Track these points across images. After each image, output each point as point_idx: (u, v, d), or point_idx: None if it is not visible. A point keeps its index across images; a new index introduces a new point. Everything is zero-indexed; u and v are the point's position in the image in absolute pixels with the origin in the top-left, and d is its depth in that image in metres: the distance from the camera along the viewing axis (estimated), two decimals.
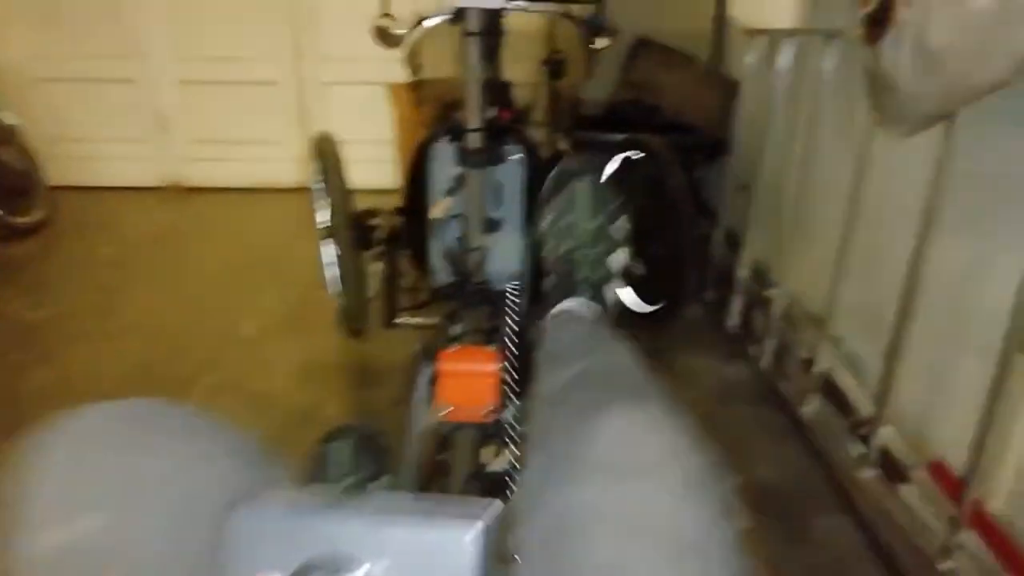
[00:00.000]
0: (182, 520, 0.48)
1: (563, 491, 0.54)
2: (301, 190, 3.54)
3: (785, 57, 2.06)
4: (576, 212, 1.04)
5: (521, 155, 1.16)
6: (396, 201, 1.85)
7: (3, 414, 1.90)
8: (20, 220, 2.99)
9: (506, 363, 0.91)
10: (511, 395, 0.90)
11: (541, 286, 1.02)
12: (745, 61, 2.35)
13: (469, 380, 0.90)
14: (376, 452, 0.94)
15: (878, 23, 1.14)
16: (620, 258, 1.06)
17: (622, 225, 1.08)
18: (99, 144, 3.62)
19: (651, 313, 2.18)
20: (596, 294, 1.00)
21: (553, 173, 1.09)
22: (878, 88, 1.21)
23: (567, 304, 0.96)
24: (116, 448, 0.49)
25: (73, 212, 3.32)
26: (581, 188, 1.05)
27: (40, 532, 0.44)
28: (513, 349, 0.92)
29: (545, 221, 1.07)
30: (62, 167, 3.56)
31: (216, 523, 0.49)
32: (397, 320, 1.73)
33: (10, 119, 3.18)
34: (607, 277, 1.03)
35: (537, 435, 0.67)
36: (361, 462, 0.92)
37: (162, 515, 0.47)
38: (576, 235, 1.02)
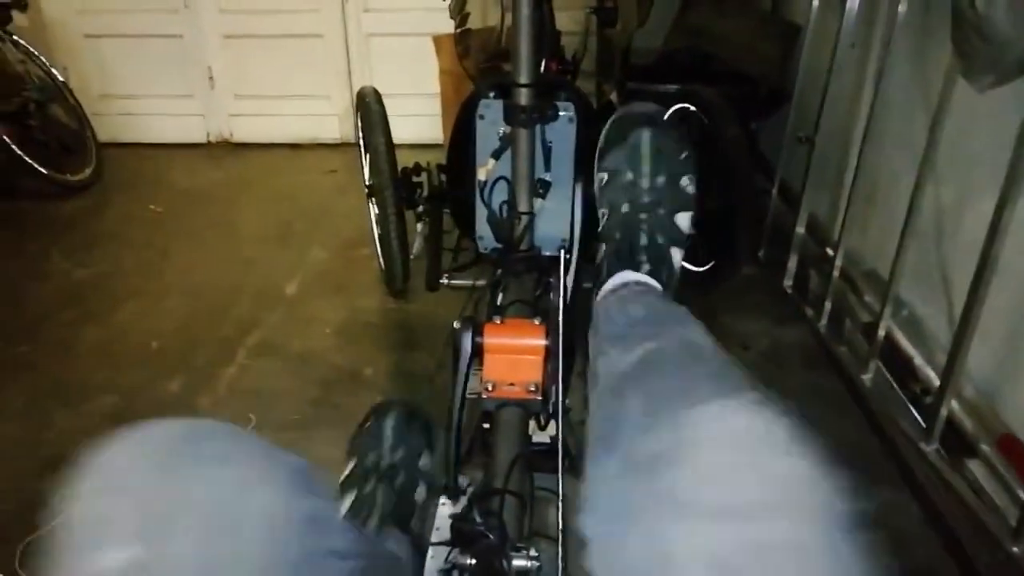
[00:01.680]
0: (223, 547, 0.45)
1: (657, 527, 0.44)
2: (346, 145, 3.52)
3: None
4: (639, 166, 0.89)
5: (573, 112, 1.09)
6: (441, 157, 1.80)
7: (51, 373, 1.94)
8: (70, 178, 3.02)
9: (553, 338, 0.86)
10: (559, 372, 0.86)
11: (595, 253, 0.92)
12: (811, 3, 2.21)
13: (515, 355, 0.85)
14: (421, 428, 0.92)
15: None
16: (687, 219, 0.91)
17: (690, 181, 0.91)
18: (146, 100, 3.62)
19: (703, 272, 2.11)
20: (660, 263, 0.87)
21: (611, 121, 0.95)
22: (965, 31, 1.10)
23: (626, 276, 0.84)
24: (160, 472, 0.46)
25: (121, 169, 3.34)
26: (644, 138, 0.89)
27: (81, 559, 0.42)
28: (561, 322, 0.87)
29: (601, 178, 0.93)
30: (110, 124, 3.59)
31: (261, 551, 0.46)
32: (441, 280, 1.69)
33: (60, 76, 3.19)
34: (674, 242, 0.89)
35: (602, 433, 0.58)
36: (406, 438, 0.90)
37: (201, 544, 0.44)
38: (638, 194, 0.88)
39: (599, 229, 0.92)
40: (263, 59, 3.53)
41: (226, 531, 0.45)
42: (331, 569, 0.53)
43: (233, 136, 3.69)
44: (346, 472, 0.86)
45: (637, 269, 0.85)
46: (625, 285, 0.83)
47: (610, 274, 0.86)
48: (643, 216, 0.88)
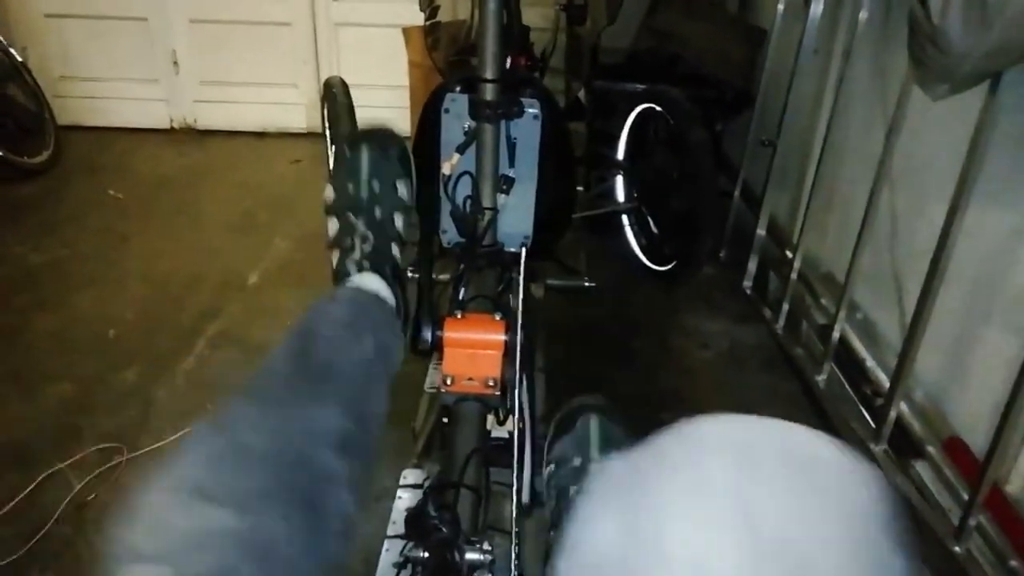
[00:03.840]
0: None
1: None
2: (313, 135, 3.49)
3: (817, 6, 1.96)
4: (588, 452, 0.87)
5: (538, 109, 1.09)
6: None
7: (4, 360, 1.90)
8: (27, 160, 2.94)
9: (513, 333, 0.86)
10: (518, 367, 0.86)
11: (551, 252, 0.93)
12: (775, 9, 2.25)
13: (474, 350, 0.86)
14: (396, 156, 0.94)
15: None
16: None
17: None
18: (108, 83, 3.54)
19: (665, 272, 2.13)
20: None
21: (560, 412, 0.92)
22: (921, 41, 1.13)
23: None
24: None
25: (81, 153, 3.27)
26: (593, 423, 0.89)
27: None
28: (520, 319, 0.88)
29: (549, 468, 0.90)
30: (70, 106, 3.50)
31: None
32: (408, 272, 1.68)
33: (18, 56, 3.11)
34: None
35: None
36: (382, 168, 0.94)
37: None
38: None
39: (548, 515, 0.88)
40: (229, 45, 3.48)
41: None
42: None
43: (197, 123, 3.64)
44: (328, 200, 0.93)
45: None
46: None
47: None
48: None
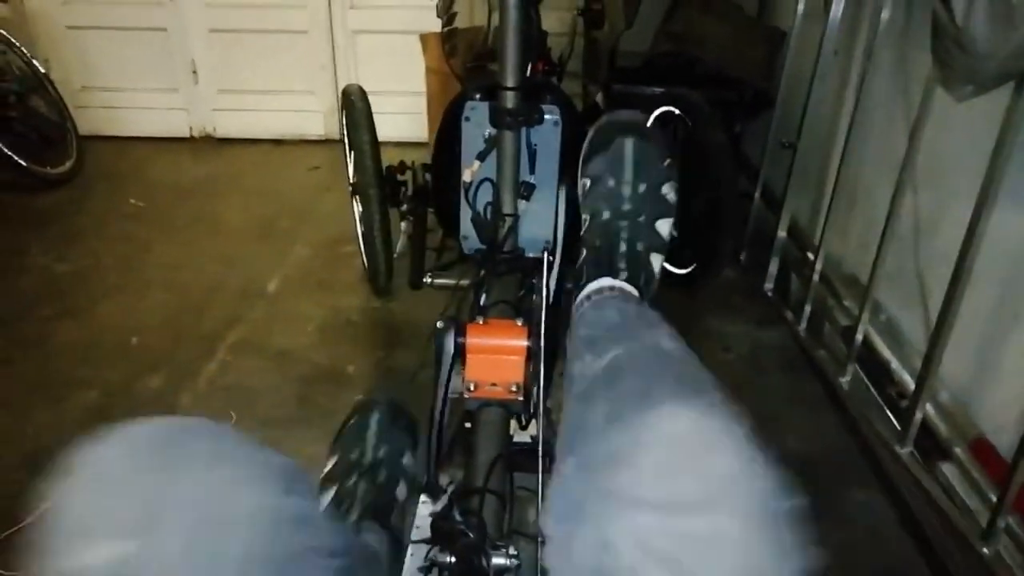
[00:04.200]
0: (210, 544, 0.45)
1: (603, 521, 0.47)
2: (331, 142, 3.51)
3: (839, 6, 1.95)
4: (621, 173, 0.89)
5: (558, 116, 1.10)
6: (425, 156, 1.80)
7: (30, 369, 1.92)
8: (50, 171, 2.98)
9: (535, 339, 0.86)
10: (540, 373, 0.86)
11: (576, 257, 0.93)
12: (795, 10, 2.24)
13: (497, 356, 0.86)
14: (405, 426, 0.92)
15: None
16: (668, 226, 0.91)
17: (671, 188, 0.92)
18: (129, 93, 3.59)
19: (686, 274, 2.13)
20: (638, 269, 0.87)
21: (596, 127, 0.95)
22: (945, 42, 1.12)
23: (603, 282, 0.84)
24: (147, 470, 0.46)
25: (102, 163, 3.31)
26: (627, 146, 0.89)
27: (67, 555, 0.43)
28: (543, 324, 0.88)
29: (584, 183, 0.93)
30: (91, 116, 3.55)
31: (247, 550, 0.47)
32: (424, 279, 1.69)
33: (41, 67, 3.16)
34: (654, 248, 0.89)
35: (568, 437, 0.60)
36: (389, 436, 0.90)
37: (189, 541, 0.45)
38: (619, 201, 0.88)
39: (580, 234, 0.92)
40: (248, 54, 3.51)
41: (213, 529, 0.45)
42: (315, 566, 0.53)
43: (216, 131, 3.67)
44: (328, 467, 0.88)
45: (616, 275, 0.86)
46: (601, 291, 0.84)
47: (589, 279, 0.86)
48: (624, 223, 0.88)
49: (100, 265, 2.44)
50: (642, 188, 0.89)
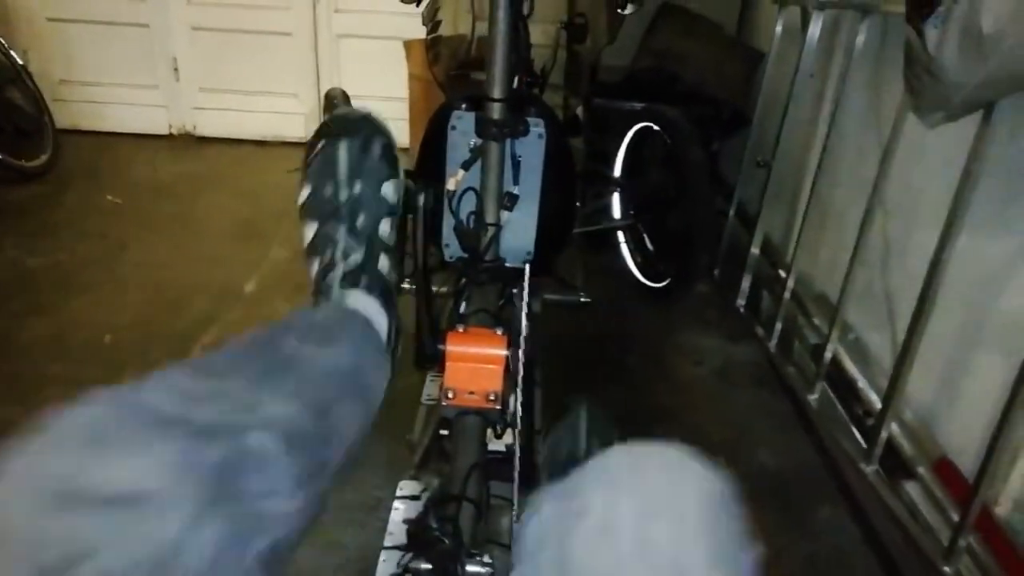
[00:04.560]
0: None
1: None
2: None
3: (815, 30, 1.99)
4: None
5: (543, 128, 1.11)
6: (407, 162, 1.81)
7: (3, 363, 1.90)
8: (25, 164, 2.95)
9: (515, 348, 0.88)
10: (518, 382, 0.88)
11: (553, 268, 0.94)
12: (773, 32, 2.28)
13: (476, 364, 0.87)
14: (381, 151, 0.83)
15: (924, 0, 1.09)
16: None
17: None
18: (108, 88, 3.56)
19: (660, 289, 2.15)
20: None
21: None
22: (917, 70, 1.15)
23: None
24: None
25: (79, 157, 3.28)
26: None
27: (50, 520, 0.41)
28: (523, 334, 0.89)
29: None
30: (70, 110, 3.52)
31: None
32: (403, 285, 1.69)
33: (19, 59, 3.12)
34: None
35: None
36: (364, 167, 0.81)
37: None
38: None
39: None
40: (230, 53, 3.50)
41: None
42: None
43: (196, 129, 3.65)
44: (303, 197, 0.81)
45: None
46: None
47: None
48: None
49: (74, 261, 2.42)
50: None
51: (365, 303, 0.78)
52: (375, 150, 0.81)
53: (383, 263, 0.81)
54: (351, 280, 0.78)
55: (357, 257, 0.78)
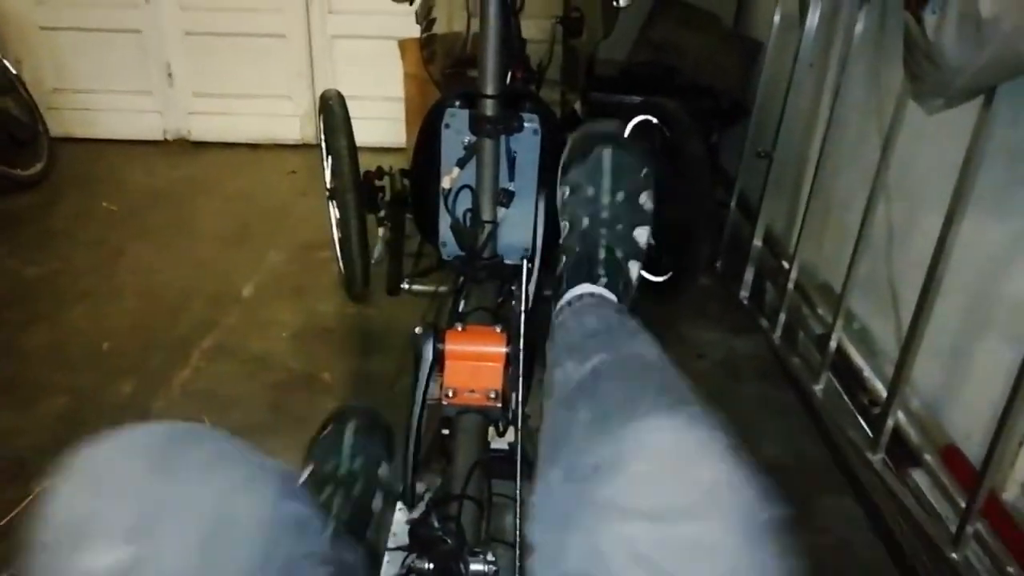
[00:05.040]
0: (213, 550, 0.45)
1: (593, 530, 0.48)
2: (307, 147, 3.49)
3: (813, 18, 1.98)
4: (600, 182, 0.91)
5: (538, 124, 1.10)
6: (404, 161, 1.80)
7: (4, 372, 1.89)
8: (20, 172, 2.93)
9: (514, 346, 0.87)
10: (519, 380, 0.86)
11: (555, 264, 0.94)
12: (771, 21, 2.27)
13: (475, 362, 0.86)
14: (381, 437, 0.92)
15: None
16: (645, 234, 0.93)
17: (648, 197, 0.95)
18: (102, 95, 3.54)
19: (662, 282, 2.14)
20: (617, 276, 0.88)
21: (575, 136, 0.96)
22: (916, 56, 1.14)
23: (583, 288, 0.85)
24: (146, 474, 0.46)
25: (74, 165, 3.27)
26: (605, 155, 0.92)
27: (65, 557, 0.41)
28: (522, 330, 0.88)
29: (563, 192, 0.95)
30: (64, 118, 3.50)
31: (247, 556, 0.46)
32: (402, 285, 1.68)
33: (12, 68, 3.11)
34: (631, 256, 0.91)
35: (552, 444, 0.60)
36: (365, 446, 0.89)
37: (190, 547, 0.44)
38: (598, 209, 0.90)
39: (560, 241, 0.94)
40: (224, 57, 3.48)
41: (215, 534, 0.45)
42: (312, 573, 0.53)
43: (191, 135, 3.63)
44: (303, 477, 0.86)
45: (595, 282, 0.87)
46: (581, 297, 0.84)
47: (569, 286, 0.87)
48: (603, 231, 0.90)
49: (71, 269, 2.41)
50: (620, 197, 0.91)
51: (353, 551, 0.80)
52: (377, 436, 0.92)
53: (376, 502, 0.89)
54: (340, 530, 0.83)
55: (350, 510, 0.85)
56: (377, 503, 0.88)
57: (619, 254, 0.89)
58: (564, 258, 0.91)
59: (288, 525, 0.50)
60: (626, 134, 2.21)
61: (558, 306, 0.86)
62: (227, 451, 0.50)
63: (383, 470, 0.90)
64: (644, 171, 0.95)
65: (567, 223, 0.93)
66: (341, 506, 0.84)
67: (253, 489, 0.49)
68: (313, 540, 0.55)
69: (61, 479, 0.42)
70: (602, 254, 0.89)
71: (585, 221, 0.91)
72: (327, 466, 0.86)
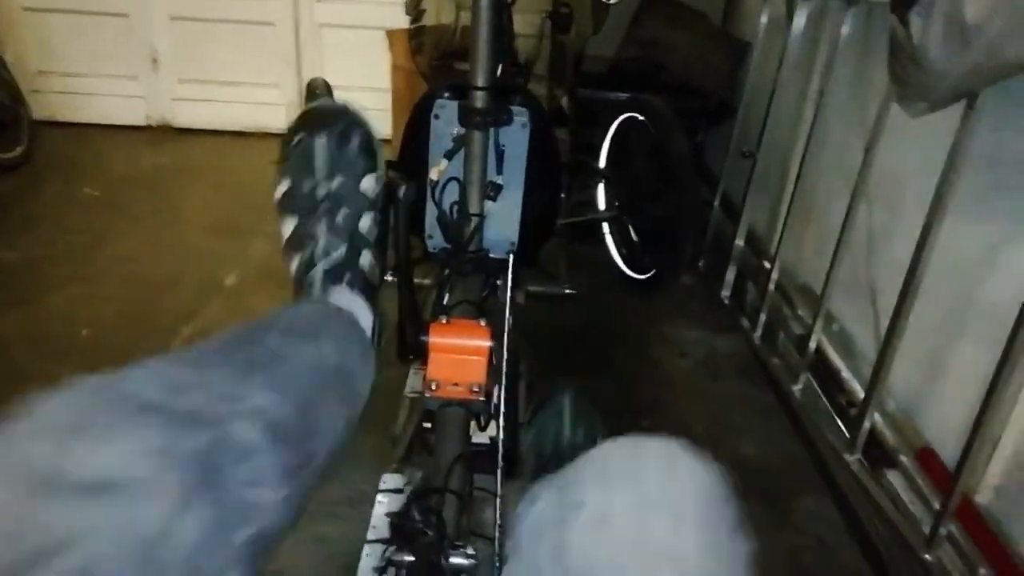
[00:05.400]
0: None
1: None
2: None
3: (800, 20, 1.99)
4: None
5: (527, 118, 1.10)
6: (390, 153, 1.79)
7: None
8: (0, 155, 2.90)
9: (498, 340, 0.87)
10: (502, 374, 0.87)
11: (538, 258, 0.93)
12: (759, 22, 2.28)
13: (459, 356, 0.86)
14: (360, 146, 0.80)
15: None
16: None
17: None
18: (86, 79, 3.50)
19: (644, 280, 2.15)
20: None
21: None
22: (901, 59, 1.15)
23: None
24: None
25: (56, 149, 3.23)
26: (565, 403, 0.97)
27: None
28: (507, 325, 0.88)
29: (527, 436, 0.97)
30: (47, 101, 3.46)
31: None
32: (385, 277, 1.68)
33: None
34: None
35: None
36: (343, 161, 0.79)
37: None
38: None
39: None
40: (210, 44, 3.45)
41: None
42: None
43: (176, 121, 3.60)
44: (280, 192, 0.79)
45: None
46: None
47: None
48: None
49: (51, 255, 2.38)
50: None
51: (348, 300, 0.77)
52: (354, 143, 0.79)
53: (365, 259, 0.80)
54: (333, 277, 0.77)
55: (339, 254, 0.77)
56: (366, 223, 0.79)
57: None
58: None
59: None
60: (612, 131, 2.22)
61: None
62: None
63: (367, 183, 0.79)
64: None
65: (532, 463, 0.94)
66: (328, 236, 0.77)
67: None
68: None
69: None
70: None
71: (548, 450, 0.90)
72: (304, 186, 0.77)
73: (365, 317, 0.78)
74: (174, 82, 3.53)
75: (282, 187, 0.79)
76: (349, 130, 0.80)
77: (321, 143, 0.78)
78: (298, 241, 0.78)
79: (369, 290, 0.80)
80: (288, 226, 0.78)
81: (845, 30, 1.74)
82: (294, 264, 0.78)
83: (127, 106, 3.55)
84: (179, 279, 2.27)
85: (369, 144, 0.81)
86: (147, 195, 2.88)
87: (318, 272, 0.77)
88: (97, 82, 3.50)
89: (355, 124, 0.81)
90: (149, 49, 3.47)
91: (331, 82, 2.14)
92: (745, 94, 2.37)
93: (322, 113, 0.81)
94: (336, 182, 0.78)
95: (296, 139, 0.79)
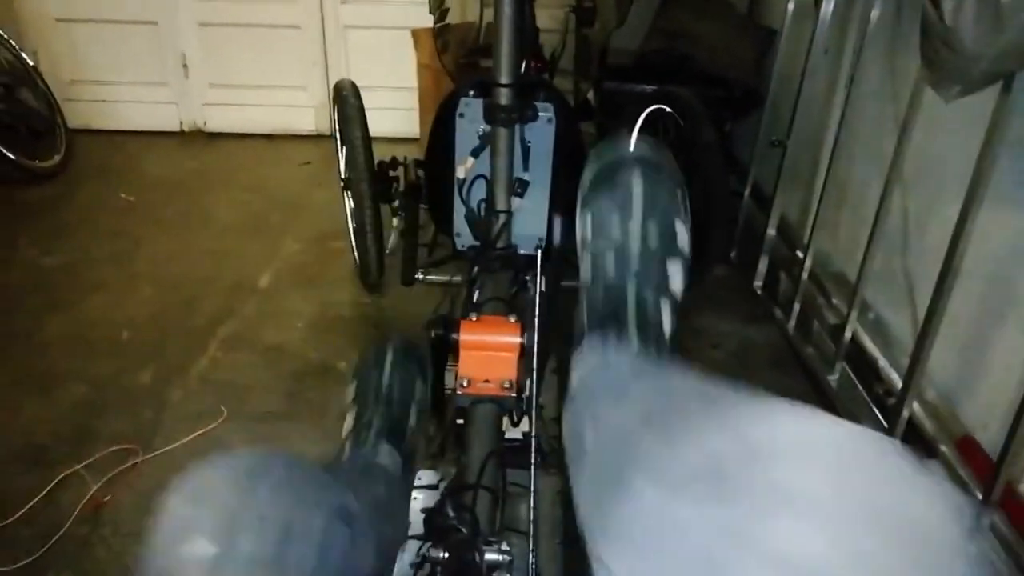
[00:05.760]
0: (278, 548, 0.52)
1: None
2: (322, 137, 3.50)
3: (829, 5, 1.96)
4: (628, 214, 0.76)
5: (552, 113, 1.10)
6: (417, 151, 1.80)
7: (19, 363, 1.91)
8: (38, 164, 2.97)
9: (529, 335, 0.87)
10: (534, 369, 0.87)
11: (570, 258, 0.89)
12: (786, 8, 2.24)
13: (490, 352, 0.86)
14: (416, 359, 0.96)
15: None
16: (679, 272, 0.77)
17: (684, 223, 0.79)
18: (119, 87, 3.56)
19: None
20: (649, 331, 0.73)
21: (600, 160, 0.82)
22: (933, 42, 1.13)
23: (608, 353, 0.69)
24: (231, 491, 0.53)
25: (91, 156, 3.29)
26: (636, 181, 0.77)
27: (171, 552, 0.50)
28: (536, 321, 0.88)
29: (584, 222, 0.82)
30: (81, 110, 3.53)
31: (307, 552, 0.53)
32: (416, 275, 1.69)
33: (29, 60, 3.13)
34: (665, 298, 0.75)
35: (611, 472, 0.47)
36: (402, 367, 0.95)
37: (264, 544, 0.52)
38: (627, 248, 0.76)
39: (580, 281, 0.82)
40: (239, 48, 3.50)
41: (284, 536, 0.52)
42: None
43: (207, 125, 3.65)
44: (350, 396, 0.94)
45: (623, 342, 0.72)
46: (608, 362, 0.69)
47: (591, 345, 0.73)
48: (631, 274, 0.76)
49: (89, 259, 2.43)
50: (652, 229, 0.77)
51: (391, 457, 0.87)
52: (413, 356, 0.96)
53: (408, 432, 0.93)
54: (381, 438, 0.89)
55: (387, 425, 0.91)
56: (412, 415, 0.93)
57: (650, 302, 0.75)
58: (586, 309, 0.77)
59: (337, 520, 0.57)
60: (639, 123, 2.20)
61: (577, 370, 0.71)
62: (295, 474, 0.57)
63: (418, 387, 0.94)
64: (678, 193, 0.80)
65: (588, 264, 0.79)
66: (381, 418, 0.89)
67: (311, 502, 0.56)
68: (358, 528, 0.60)
69: (170, 494, 0.51)
70: (631, 307, 0.74)
71: (611, 264, 0.77)
72: (370, 383, 0.93)
73: (397, 466, 0.87)
74: (204, 87, 3.58)
75: (351, 388, 0.96)
76: (412, 346, 0.97)
77: (391, 350, 0.96)
78: (356, 425, 0.91)
79: (406, 452, 0.91)
80: (349, 421, 0.93)
81: (875, 13, 1.71)
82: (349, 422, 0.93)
83: (159, 112, 3.61)
84: (214, 281, 2.31)
85: (425, 361, 0.98)
86: (180, 199, 2.93)
87: (371, 434, 0.89)
88: (129, 89, 3.57)
89: (416, 345, 0.98)
90: (179, 55, 3.52)
91: (358, 83, 2.17)
92: (773, 82, 2.34)
93: (393, 337, 1.00)
94: (396, 378, 0.94)
95: (369, 353, 0.97)
